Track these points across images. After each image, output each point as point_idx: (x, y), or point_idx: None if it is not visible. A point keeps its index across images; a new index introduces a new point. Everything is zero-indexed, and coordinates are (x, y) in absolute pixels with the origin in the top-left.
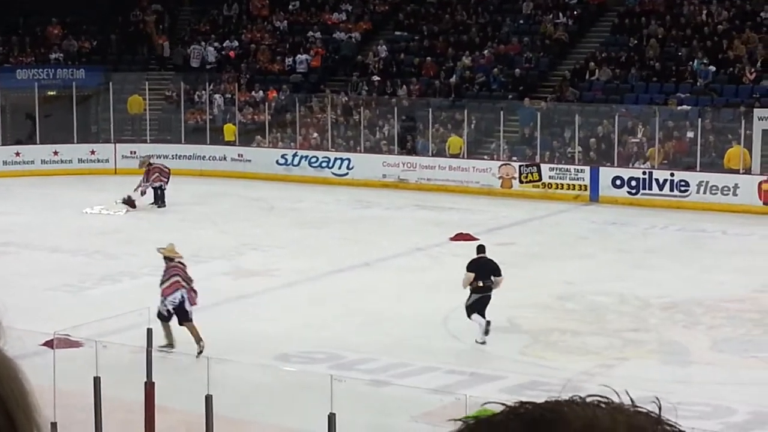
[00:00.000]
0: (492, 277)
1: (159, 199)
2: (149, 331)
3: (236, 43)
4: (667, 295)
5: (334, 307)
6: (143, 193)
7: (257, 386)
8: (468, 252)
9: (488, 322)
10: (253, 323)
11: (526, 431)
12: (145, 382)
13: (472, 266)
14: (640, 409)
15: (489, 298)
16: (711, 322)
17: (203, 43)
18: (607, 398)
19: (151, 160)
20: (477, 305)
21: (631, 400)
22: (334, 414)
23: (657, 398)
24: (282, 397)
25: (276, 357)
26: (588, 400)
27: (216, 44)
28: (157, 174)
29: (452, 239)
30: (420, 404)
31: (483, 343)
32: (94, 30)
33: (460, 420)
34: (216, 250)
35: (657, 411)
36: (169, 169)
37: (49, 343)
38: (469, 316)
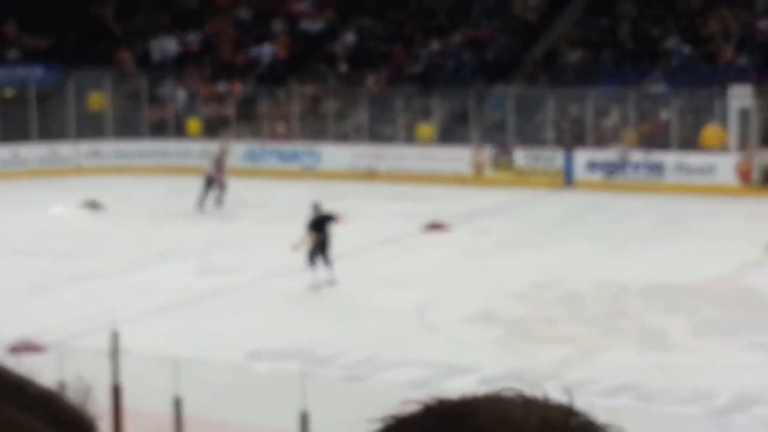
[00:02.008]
0: (327, 225)
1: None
2: (115, 334)
3: (199, 36)
4: (645, 279)
5: (306, 302)
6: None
7: (228, 386)
8: (441, 241)
9: (332, 280)
10: (223, 322)
11: (438, 426)
12: (112, 386)
13: (314, 226)
14: (552, 402)
15: (326, 241)
16: (691, 306)
17: (164, 36)
18: (521, 392)
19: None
20: (319, 250)
21: (545, 393)
22: (308, 412)
23: (568, 390)
24: (254, 397)
25: (247, 356)
26: (503, 394)
27: (178, 37)
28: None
29: (425, 229)
30: (396, 399)
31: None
32: (51, 27)
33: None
34: (184, 249)
35: (568, 403)
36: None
37: (14, 349)
38: (311, 263)
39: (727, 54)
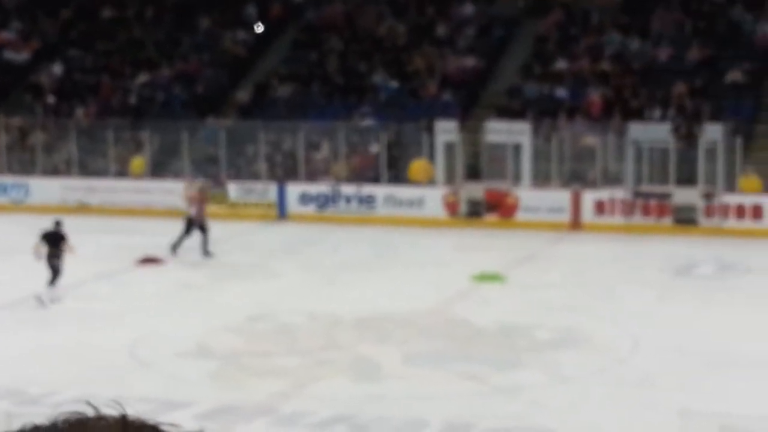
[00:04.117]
0: (59, 244)
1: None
2: None
3: None
4: (358, 310)
5: (17, 340)
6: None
7: None
8: (155, 275)
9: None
10: None
11: None
12: None
13: (44, 237)
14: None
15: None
16: (403, 336)
17: None
18: (80, 413)
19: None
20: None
21: (95, 409)
22: None
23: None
24: None
25: None
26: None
27: None
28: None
29: (139, 264)
30: None
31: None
32: None
33: None
34: None
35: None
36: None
37: None
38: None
39: (432, 90)
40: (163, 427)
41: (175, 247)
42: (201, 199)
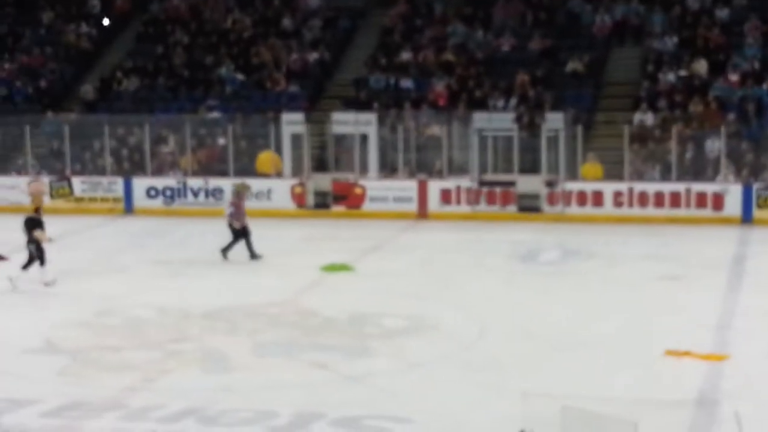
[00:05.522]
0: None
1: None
2: None
3: None
4: (207, 303)
5: None
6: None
7: None
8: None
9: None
10: None
11: None
12: None
13: (26, 223)
14: None
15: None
16: (252, 327)
17: None
18: None
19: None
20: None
21: None
22: None
23: None
24: None
25: None
26: None
27: None
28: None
29: None
30: None
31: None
32: None
33: None
34: None
35: None
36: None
37: None
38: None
39: (279, 82)
40: None
41: (225, 251)
42: (238, 202)
